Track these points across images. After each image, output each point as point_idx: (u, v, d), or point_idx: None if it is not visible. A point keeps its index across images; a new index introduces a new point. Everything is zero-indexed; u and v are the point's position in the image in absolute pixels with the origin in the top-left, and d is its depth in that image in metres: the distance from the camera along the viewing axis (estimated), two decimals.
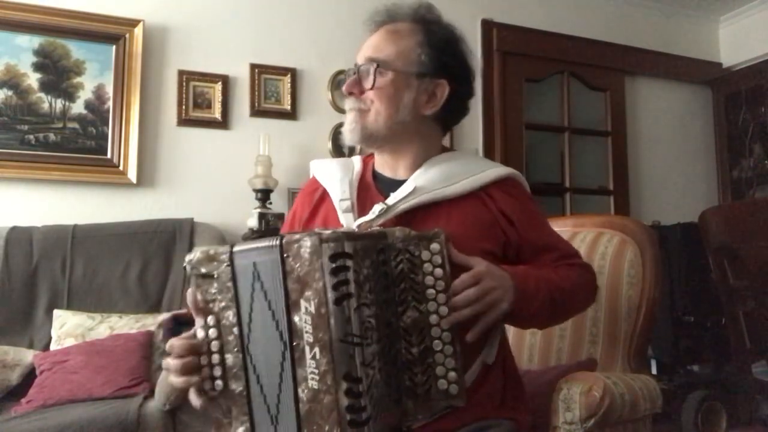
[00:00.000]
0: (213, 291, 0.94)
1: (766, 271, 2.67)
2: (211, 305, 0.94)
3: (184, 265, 0.96)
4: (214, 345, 0.93)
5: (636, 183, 3.93)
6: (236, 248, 0.93)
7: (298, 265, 0.86)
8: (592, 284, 1.19)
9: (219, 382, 0.93)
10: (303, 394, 0.85)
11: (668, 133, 4.08)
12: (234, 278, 0.92)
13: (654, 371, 3.01)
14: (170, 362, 0.96)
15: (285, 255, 0.87)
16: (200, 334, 0.94)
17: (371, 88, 1.11)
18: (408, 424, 0.94)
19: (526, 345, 1.57)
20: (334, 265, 0.84)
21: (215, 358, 0.93)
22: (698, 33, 4.21)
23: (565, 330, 1.50)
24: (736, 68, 4.13)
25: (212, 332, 0.93)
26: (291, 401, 0.86)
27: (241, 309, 0.92)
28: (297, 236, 0.87)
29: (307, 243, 0.86)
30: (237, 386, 0.92)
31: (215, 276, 0.93)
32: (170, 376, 0.96)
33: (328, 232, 0.87)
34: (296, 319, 0.86)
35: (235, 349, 0.92)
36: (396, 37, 1.13)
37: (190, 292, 0.96)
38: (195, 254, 0.96)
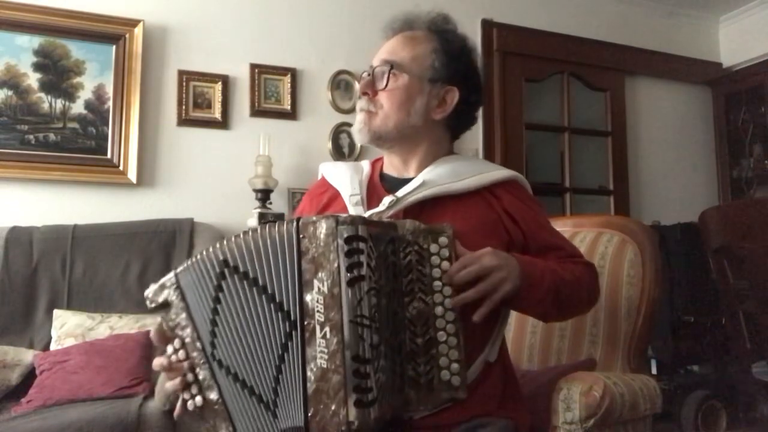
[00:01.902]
0: (173, 317, 0.99)
1: (766, 271, 2.67)
2: (175, 330, 0.98)
3: (146, 303, 1.02)
4: (186, 365, 0.97)
5: (636, 183, 3.93)
6: (179, 269, 0.99)
7: (313, 246, 0.88)
8: (595, 283, 1.20)
9: (198, 398, 0.96)
10: (311, 373, 0.86)
11: (668, 133, 4.08)
12: (183, 297, 0.97)
13: (654, 371, 3.01)
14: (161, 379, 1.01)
15: (300, 236, 0.89)
16: (172, 359, 0.99)
17: (384, 89, 1.14)
18: (410, 414, 0.95)
19: (526, 345, 1.57)
20: (348, 247, 0.87)
21: (189, 377, 0.97)
22: (698, 33, 4.21)
23: (565, 330, 1.50)
24: (736, 68, 4.13)
25: (181, 354, 0.98)
26: (297, 381, 0.87)
27: (196, 322, 0.96)
28: (314, 218, 0.90)
29: (323, 225, 0.88)
30: (213, 395, 0.95)
31: (169, 302, 0.98)
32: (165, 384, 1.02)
33: (344, 215, 0.90)
34: (308, 298, 0.88)
35: (202, 362, 0.96)
36: (412, 43, 1.17)
37: (153, 330, 1.02)
38: (150, 289, 1.01)
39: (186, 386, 0.97)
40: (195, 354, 0.96)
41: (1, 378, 2.06)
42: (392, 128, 1.15)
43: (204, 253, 0.96)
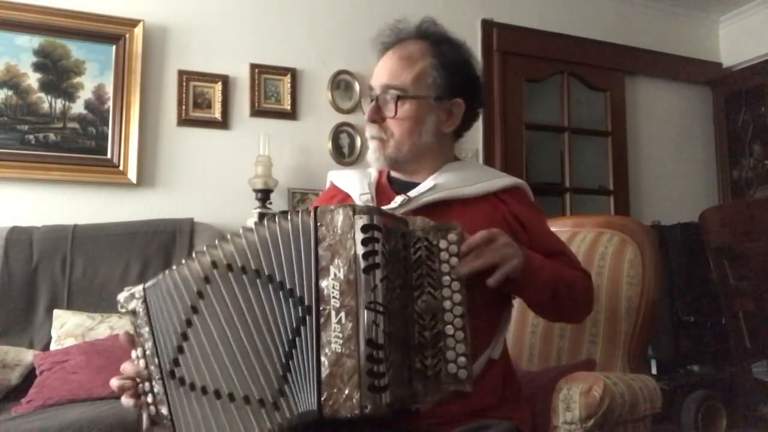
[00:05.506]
0: (138, 325, 1.02)
1: (766, 271, 2.67)
2: (139, 338, 1.01)
3: (118, 306, 1.04)
4: (145, 374, 1.01)
5: (636, 183, 3.93)
6: (148, 284, 1.00)
7: (330, 233, 0.91)
8: (590, 289, 1.23)
9: (152, 408, 1.00)
10: (325, 357, 0.88)
11: (668, 133, 4.08)
12: (147, 311, 0.99)
13: (654, 371, 3.01)
14: (114, 383, 1.03)
15: (318, 224, 0.92)
16: (136, 363, 1.02)
17: (393, 117, 1.16)
18: (417, 406, 0.97)
19: (526, 345, 1.57)
20: (365, 236, 0.90)
21: (146, 386, 1.01)
22: (698, 33, 4.21)
23: (565, 330, 1.51)
24: (736, 68, 4.13)
25: (141, 363, 1.01)
26: (311, 366, 0.89)
27: (156, 339, 0.98)
28: (331, 207, 0.93)
29: (340, 214, 0.92)
30: (164, 410, 0.99)
31: (136, 312, 1.01)
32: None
33: (360, 205, 0.93)
34: (323, 284, 0.90)
35: (157, 377, 0.99)
36: (409, 62, 1.17)
37: (121, 334, 1.05)
38: (121, 294, 1.03)
39: (143, 394, 1.01)
40: (152, 368, 1.00)
41: (1, 378, 2.06)
42: (406, 152, 1.18)
43: (181, 264, 0.97)
